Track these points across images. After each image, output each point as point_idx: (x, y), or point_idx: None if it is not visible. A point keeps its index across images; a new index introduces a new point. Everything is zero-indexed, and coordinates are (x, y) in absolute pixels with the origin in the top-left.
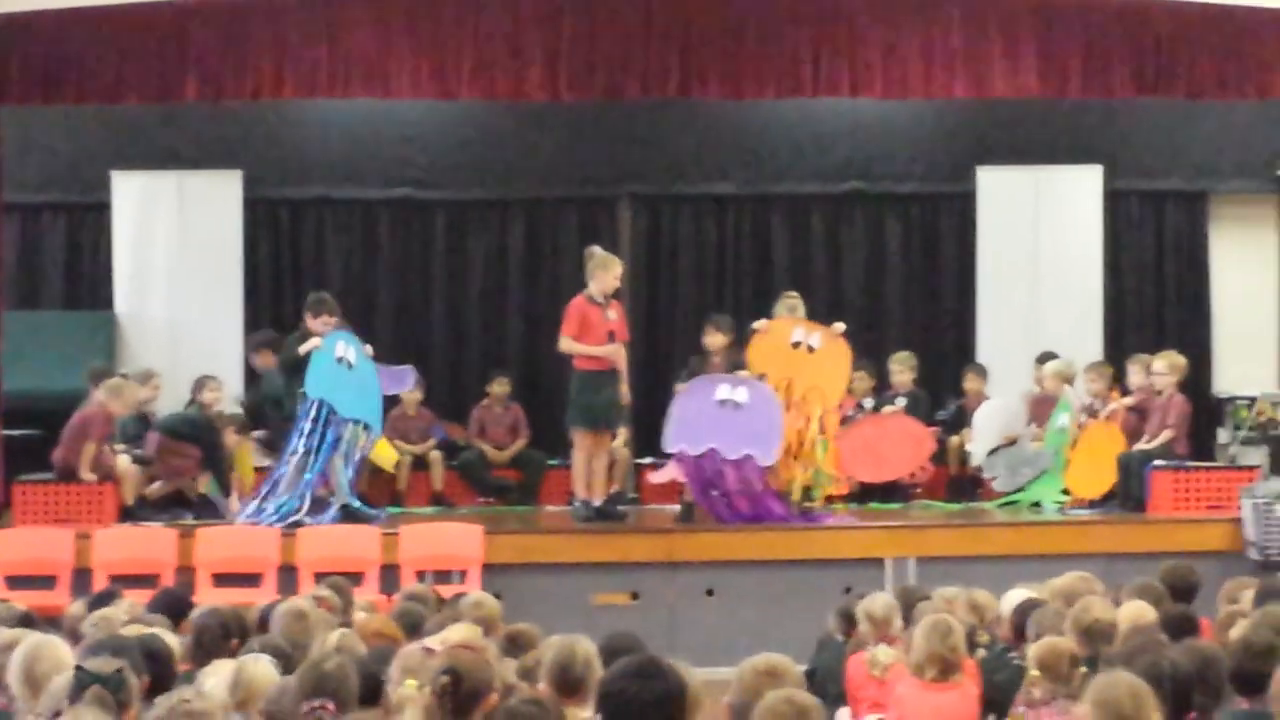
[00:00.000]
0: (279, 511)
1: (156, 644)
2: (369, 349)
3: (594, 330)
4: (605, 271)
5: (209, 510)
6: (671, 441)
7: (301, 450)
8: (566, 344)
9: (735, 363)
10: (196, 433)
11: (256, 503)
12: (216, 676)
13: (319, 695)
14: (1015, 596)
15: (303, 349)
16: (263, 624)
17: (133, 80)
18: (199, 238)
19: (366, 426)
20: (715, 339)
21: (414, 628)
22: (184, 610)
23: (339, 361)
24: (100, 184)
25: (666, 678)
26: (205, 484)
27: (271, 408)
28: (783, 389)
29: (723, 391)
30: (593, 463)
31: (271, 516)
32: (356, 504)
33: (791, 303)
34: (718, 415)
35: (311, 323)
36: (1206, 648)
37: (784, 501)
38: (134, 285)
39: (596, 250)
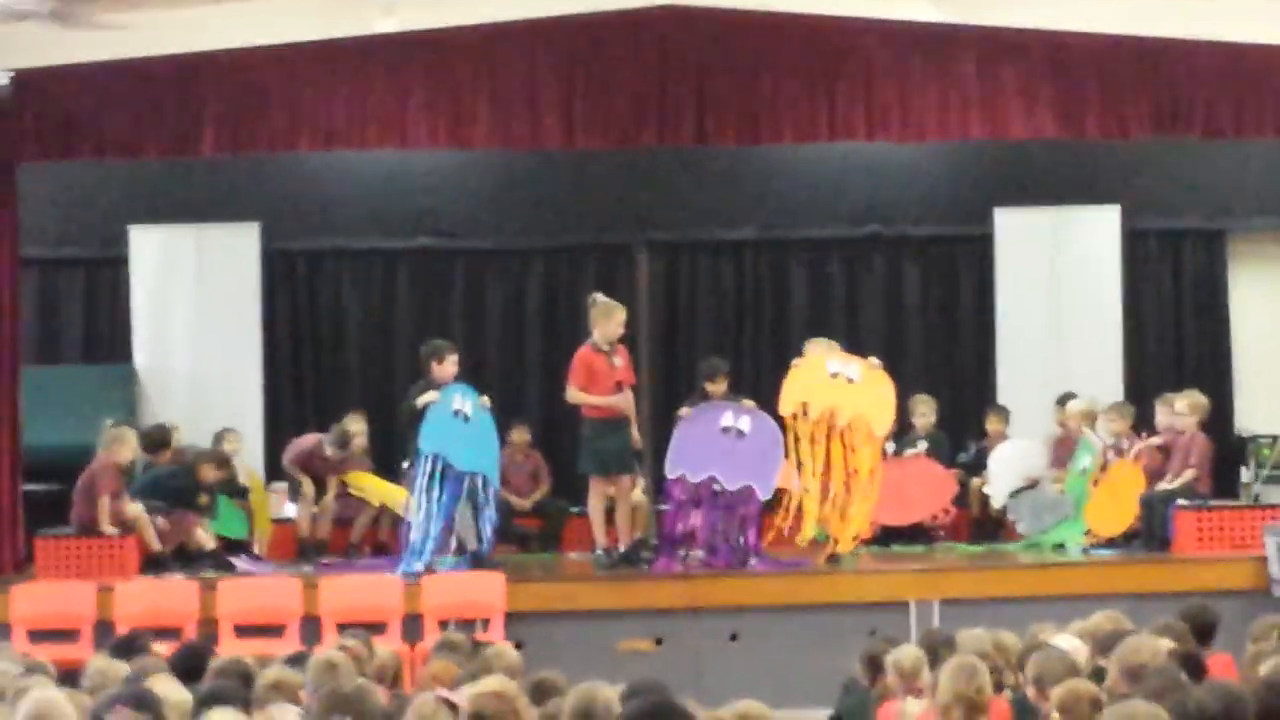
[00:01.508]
0: (411, 565)
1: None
2: (486, 400)
3: (600, 379)
4: (607, 319)
5: (226, 559)
6: (671, 466)
7: (423, 506)
8: (574, 395)
9: (736, 399)
10: (159, 490)
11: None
12: None
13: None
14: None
15: (420, 401)
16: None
17: (150, 135)
18: (217, 290)
19: (486, 480)
20: (715, 388)
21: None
22: (204, 662)
23: (455, 414)
24: (118, 238)
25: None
26: (203, 531)
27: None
28: (826, 418)
29: (727, 419)
30: (616, 509)
31: (410, 568)
32: (485, 551)
33: (820, 349)
34: (721, 443)
35: (436, 369)
36: (1232, 687)
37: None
38: (153, 338)
39: (599, 297)
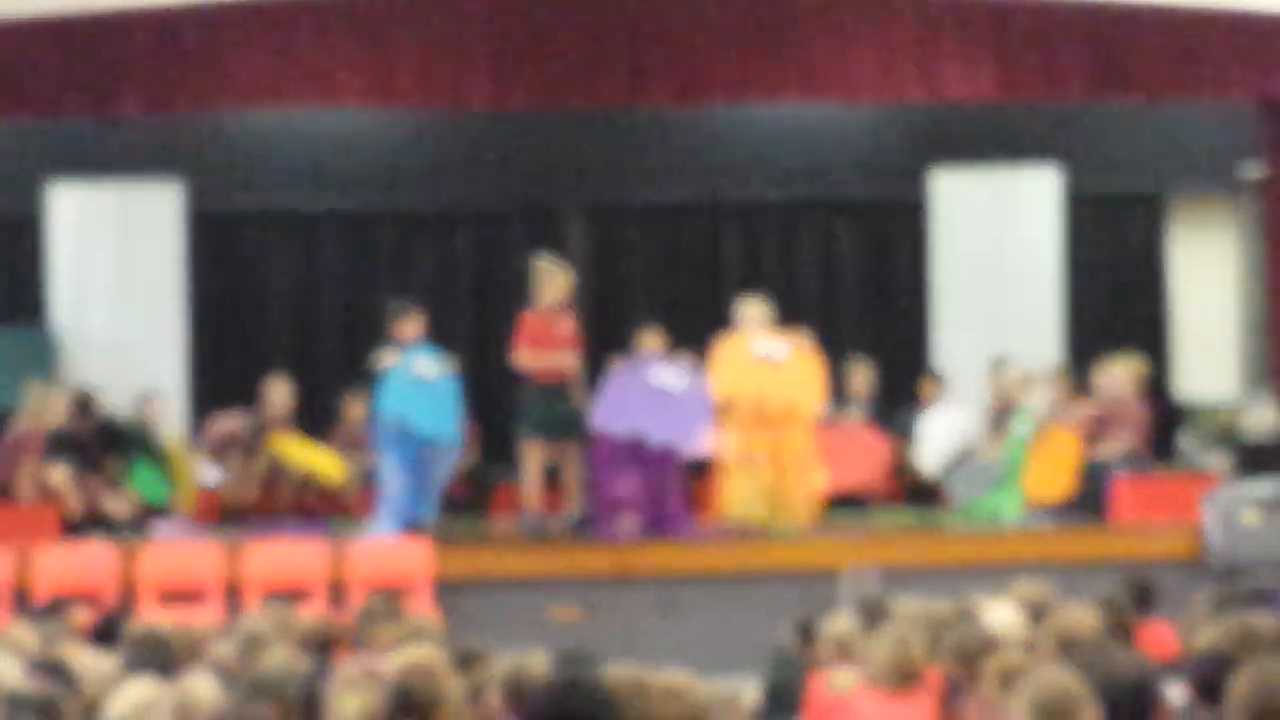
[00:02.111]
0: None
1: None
2: (449, 362)
3: (543, 343)
4: (550, 283)
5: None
6: (598, 421)
7: (388, 470)
8: (519, 357)
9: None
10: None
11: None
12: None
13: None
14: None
15: (380, 364)
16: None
17: (71, 91)
18: (139, 249)
19: (444, 445)
20: (651, 342)
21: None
22: (122, 629)
23: (417, 377)
24: (37, 195)
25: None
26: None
27: None
28: (754, 407)
29: (657, 374)
30: (562, 475)
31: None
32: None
33: (754, 309)
34: (649, 399)
35: (399, 330)
36: (1147, 662)
37: (687, 515)
38: (73, 299)
39: (541, 262)
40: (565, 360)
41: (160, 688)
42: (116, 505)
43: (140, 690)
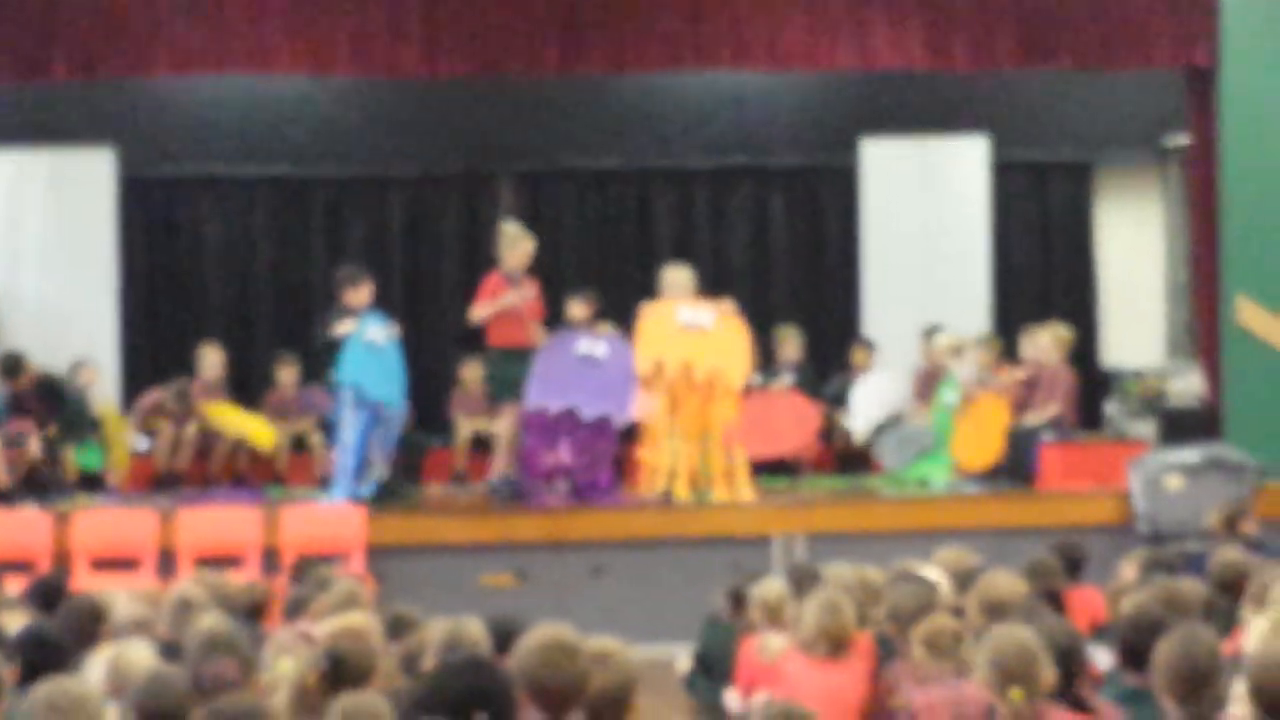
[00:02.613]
0: (337, 494)
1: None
2: (396, 328)
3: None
4: (513, 248)
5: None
6: (531, 398)
7: (349, 434)
8: (476, 311)
9: (590, 322)
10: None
11: (329, 488)
12: (98, 663)
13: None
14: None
15: (337, 331)
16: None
17: (1, 57)
18: (71, 216)
19: (395, 409)
20: (578, 310)
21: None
22: (59, 597)
23: (369, 343)
24: None
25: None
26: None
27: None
28: (681, 374)
29: (583, 346)
30: (498, 439)
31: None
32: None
33: (678, 276)
34: (578, 371)
35: (351, 296)
36: (1070, 626)
37: (615, 483)
38: (5, 265)
39: (507, 227)
40: (529, 329)
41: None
42: (51, 472)
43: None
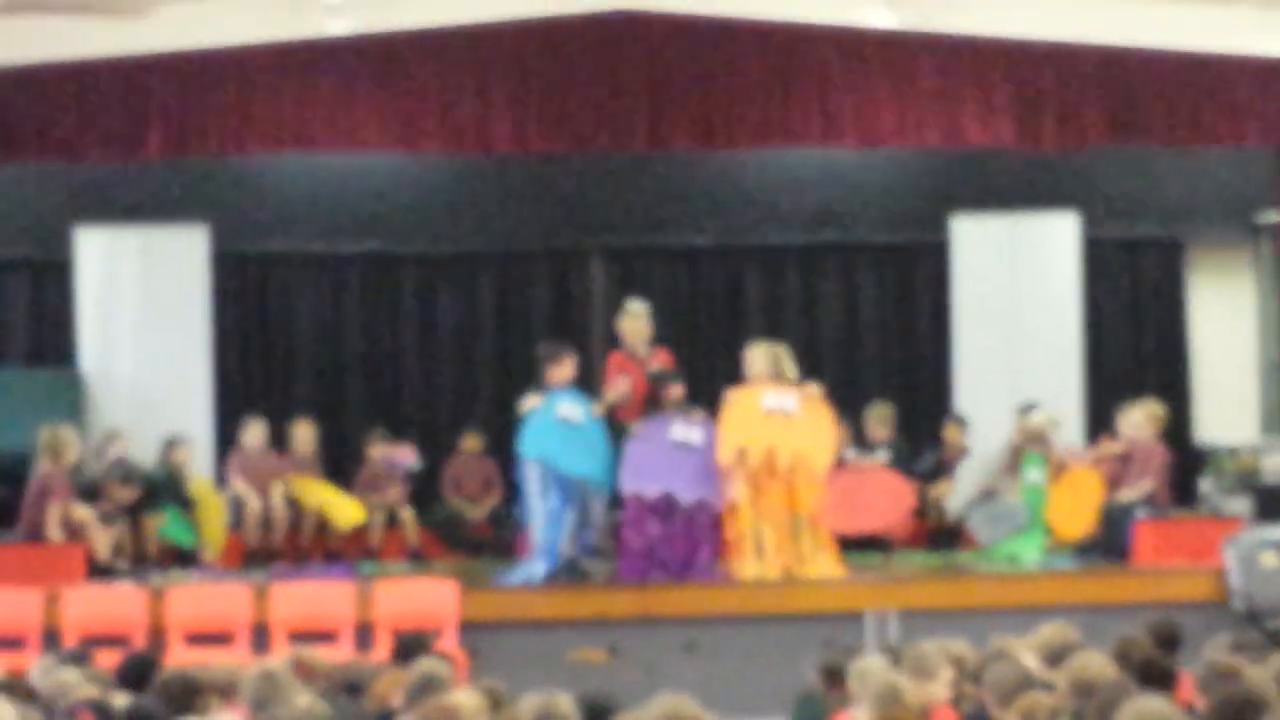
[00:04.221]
0: (527, 574)
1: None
2: (597, 406)
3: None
4: (631, 324)
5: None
6: (626, 484)
7: (537, 510)
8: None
9: (684, 410)
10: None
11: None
12: None
13: None
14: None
15: (522, 408)
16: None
17: (95, 136)
18: (165, 293)
19: (596, 486)
20: (670, 391)
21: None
22: (150, 672)
23: (562, 419)
24: (64, 239)
25: None
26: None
27: None
28: (764, 461)
29: (678, 432)
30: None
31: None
32: (580, 559)
33: (772, 354)
34: (673, 456)
35: (554, 373)
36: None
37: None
38: (100, 342)
39: (631, 304)
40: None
41: None
42: (144, 548)
43: None
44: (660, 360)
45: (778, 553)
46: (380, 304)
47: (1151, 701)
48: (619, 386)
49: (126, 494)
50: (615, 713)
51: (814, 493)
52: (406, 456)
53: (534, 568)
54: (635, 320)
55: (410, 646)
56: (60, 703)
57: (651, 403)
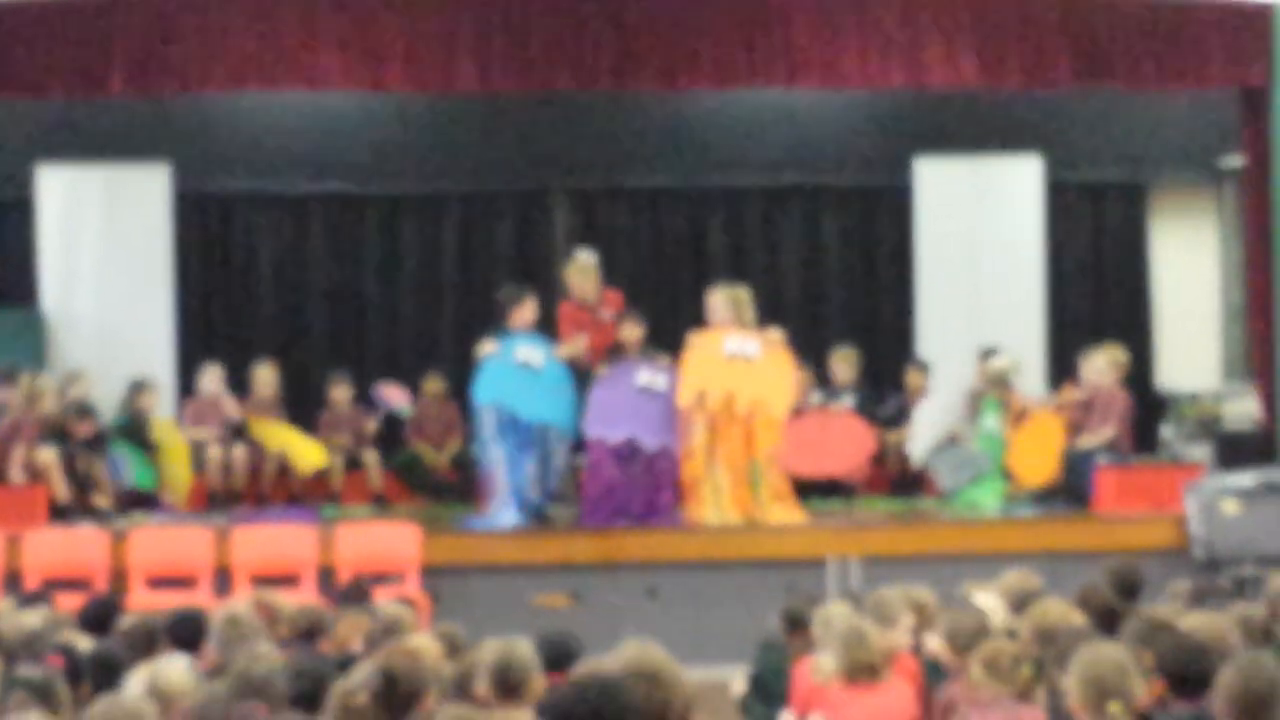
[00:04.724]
0: (496, 521)
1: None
2: (560, 350)
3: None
4: (584, 279)
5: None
6: (590, 428)
7: (496, 456)
8: (560, 353)
9: (650, 356)
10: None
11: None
12: (138, 680)
13: (248, 699)
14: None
15: (480, 353)
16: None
17: (56, 73)
18: (127, 232)
19: (556, 432)
20: (630, 331)
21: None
22: (113, 616)
23: (521, 364)
24: (26, 177)
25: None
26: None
27: None
28: (723, 405)
29: (643, 377)
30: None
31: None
32: (543, 504)
33: (733, 297)
34: (637, 402)
35: (515, 316)
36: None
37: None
38: (61, 281)
39: (580, 255)
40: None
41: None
42: (103, 492)
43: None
44: (611, 303)
45: (733, 499)
46: (343, 244)
47: (1105, 647)
48: (576, 343)
49: (84, 428)
50: (577, 657)
51: (771, 438)
52: (399, 399)
53: (502, 516)
54: (583, 274)
55: (349, 595)
56: (30, 647)
57: (615, 349)
